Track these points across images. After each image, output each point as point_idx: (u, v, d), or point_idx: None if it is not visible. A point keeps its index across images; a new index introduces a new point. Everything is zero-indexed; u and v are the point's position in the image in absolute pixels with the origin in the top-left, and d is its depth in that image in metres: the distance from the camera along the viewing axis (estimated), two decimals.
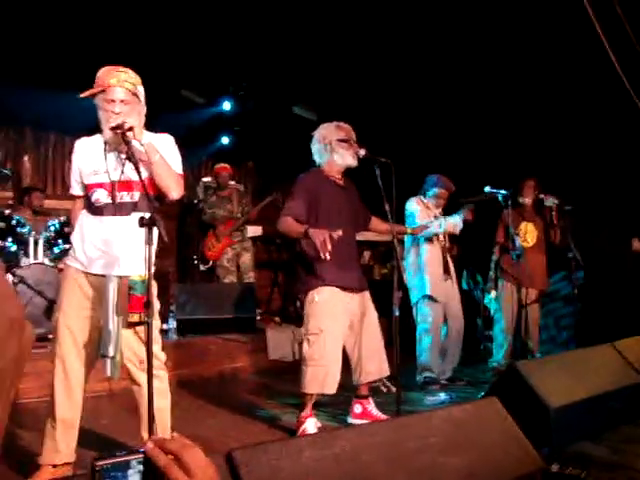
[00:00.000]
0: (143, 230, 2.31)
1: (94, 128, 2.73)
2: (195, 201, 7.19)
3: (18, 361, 0.63)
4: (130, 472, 0.67)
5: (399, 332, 3.28)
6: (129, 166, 2.58)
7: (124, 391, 2.91)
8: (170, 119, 4.78)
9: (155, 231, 2.39)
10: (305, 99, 7.60)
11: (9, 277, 4.66)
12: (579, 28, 4.51)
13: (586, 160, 6.11)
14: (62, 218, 5.45)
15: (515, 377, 2.95)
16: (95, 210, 2.70)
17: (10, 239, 5.18)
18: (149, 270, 2.35)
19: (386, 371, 3.73)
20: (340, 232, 3.24)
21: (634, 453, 2.85)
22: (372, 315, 3.71)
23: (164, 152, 2.66)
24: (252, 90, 7.41)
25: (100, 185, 2.68)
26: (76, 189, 2.81)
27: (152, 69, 3.82)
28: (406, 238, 4.95)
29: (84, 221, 2.74)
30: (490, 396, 2.56)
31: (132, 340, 2.62)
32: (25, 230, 5.27)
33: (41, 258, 5.25)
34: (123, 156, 2.63)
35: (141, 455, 0.67)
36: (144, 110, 2.72)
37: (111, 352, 2.55)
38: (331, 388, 3.45)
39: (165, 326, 5.86)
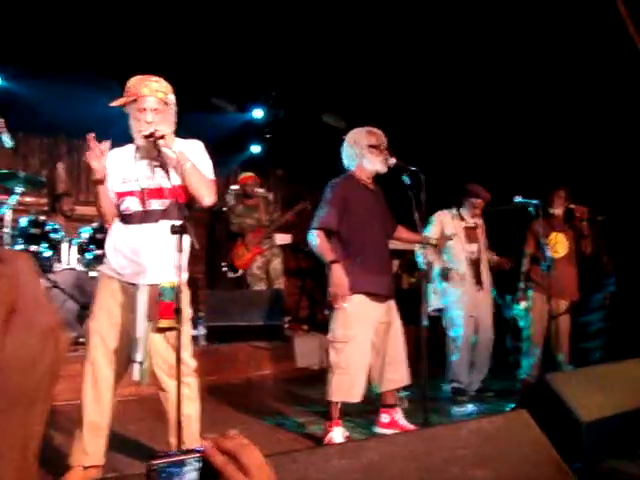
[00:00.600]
0: (172, 237, 2.33)
1: (125, 136, 2.77)
2: (224, 209, 7.14)
3: (53, 372, 0.63)
4: (186, 471, 0.66)
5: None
6: (160, 173, 2.62)
7: (153, 396, 2.92)
8: (201, 127, 4.82)
9: (186, 238, 2.41)
10: (335, 107, 7.61)
11: (43, 282, 4.75)
12: (615, 35, 4.44)
13: (618, 169, 6.00)
14: (95, 224, 5.52)
15: (545, 390, 2.90)
16: (124, 218, 2.74)
17: (44, 245, 5.27)
18: (179, 277, 2.37)
19: (408, 380, 3.71)
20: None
21: None
22: (397, 323, 3.69)
23: (195, 158, 2.69)
24: (283, 98, 7.44)
25: (130, 193, 2.72)
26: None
27: (184, 77, 3.87)
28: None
29: (115, 229, 2.78)
30: (519, 409, 2.52)
31: (162, 347, 2.64)
32: (59, 236, 5.36)
33: (74, 263, 5.34)
34: (154, 163, 2.67)
35: (197, 454, 0.67)
36: (175, 118, 2.76)
37: (139, 358, 2.58)
38: (356, 396, 3.44)
39: (194, 332, 5.89)
